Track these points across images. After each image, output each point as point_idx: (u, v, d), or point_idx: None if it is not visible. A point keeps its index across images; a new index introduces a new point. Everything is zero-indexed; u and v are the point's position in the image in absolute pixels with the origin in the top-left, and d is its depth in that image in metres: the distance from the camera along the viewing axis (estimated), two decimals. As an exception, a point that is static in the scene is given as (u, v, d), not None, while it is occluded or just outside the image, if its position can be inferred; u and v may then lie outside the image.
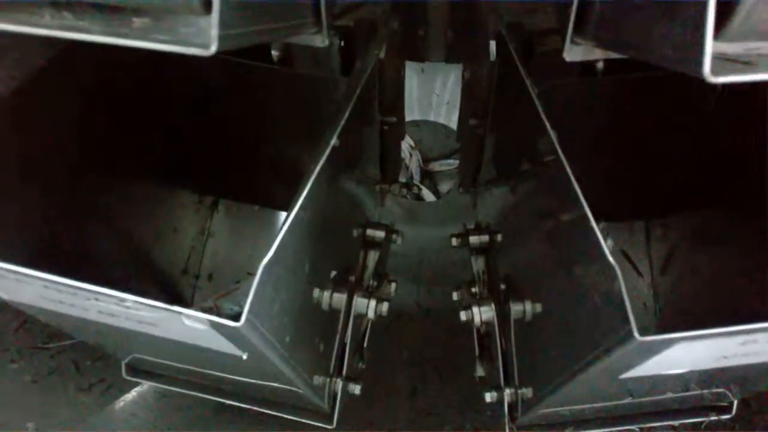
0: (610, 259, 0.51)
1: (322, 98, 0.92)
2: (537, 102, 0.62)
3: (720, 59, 0.38)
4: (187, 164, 1.17)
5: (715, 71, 0.35)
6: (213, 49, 0.36)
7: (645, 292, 1.19)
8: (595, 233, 0.53)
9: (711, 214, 1.07)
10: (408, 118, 1.69)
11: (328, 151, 0.59)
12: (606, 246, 0.52)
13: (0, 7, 0.47)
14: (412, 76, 1.64)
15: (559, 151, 0.57)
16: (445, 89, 1.74)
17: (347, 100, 0.70)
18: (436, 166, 1.76)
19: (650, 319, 1.17)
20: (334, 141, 0.60)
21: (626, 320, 0.48)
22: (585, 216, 0.54)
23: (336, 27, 0.87)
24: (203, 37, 0.37)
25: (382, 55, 0.87)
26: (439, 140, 1.77)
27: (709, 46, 0.34)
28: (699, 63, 0.35)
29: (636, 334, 0.47)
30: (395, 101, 1.06)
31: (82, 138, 0.88)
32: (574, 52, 0.52)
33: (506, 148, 0.94)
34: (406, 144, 1.72)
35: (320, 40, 0.56)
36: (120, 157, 0.99)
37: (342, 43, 0.89)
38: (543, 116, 0.60)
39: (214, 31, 0.36)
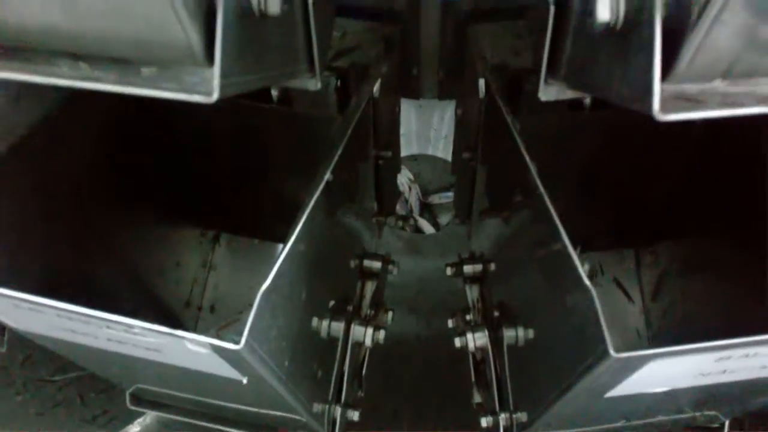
0: (587, 282, 0.54)
1: (320, 136, 0.96)
2: (518, 138, 0.66)
3: (673, 98, 0.42)
4: (190, 200, 1.21)
5: (664, 109, 0.40)
6: (215, 96, 0.40)
7: (637, 319, 1.22)
8: (572, 259, 0.56)
9: (699, 241, 1.10)
10: (407, 152, 1.73)
11: (322, 186, 0.63)
12: (582, 270, 0.55)
13: (21, 58, 0.51)
14: (410, 111, 1.69)
15: (538, 182, 0.61)
16: (442, 123, 1.76)
17: (341, 136, 0.74)
18: (435, 199, 1.78)
19: (643, 344, 1.19)
20: (327, 176, 0.64)
21: (602, 339, 0.51)
22: (563, 242, 0.58)
23: (332, 68, 0.92)
24: (206, 86, 0.41)
25: (376, 93, 0.91)
26: (437, 173, 1.79)
27: (657, 86, 0.38)
28: (649, 102, 0.39)
29: (611, 351, 0.50)
30: (390, 136, 1.10)
31: (91, 176, 0.92)
32: (548, 92, 0.56)
33: (497, 180, 0.98)
34: (406, 177, 1.76)
35: (313, 84, 0.61)
36: (126, 194, 1.02)
37: (338, 83, 0.93)
38: (523, 151, 0.64)
39: (216, 81, 0.40)
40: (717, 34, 0.38)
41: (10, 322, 0.70)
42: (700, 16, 0.37)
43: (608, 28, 0.42)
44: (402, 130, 1.25)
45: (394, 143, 1.13)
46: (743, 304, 0.96)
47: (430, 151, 1.80)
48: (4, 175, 0.73)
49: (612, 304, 1.23)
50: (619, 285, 1.24)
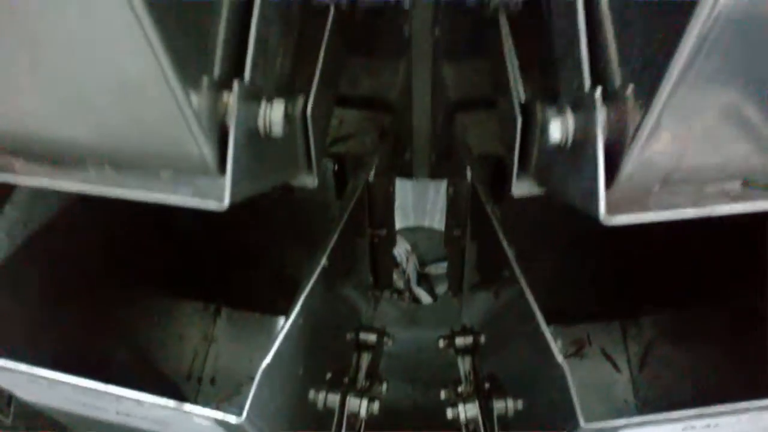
0: (559, 359, 0.59)
1: (318, 217, 1.02)
2: (497, 226, 0.73)
3: (618, 203, 0.48)
4: (193, 277, 1.26)
5: (610, 213, 0.46)
6: (226, 203, 0.47)
7: (626, 388, 1.25)
8: (545, 338, 0.61)
9: (680, 312, 1.15)
10: (404, 224, 1.78)
11: (318, 271, 0.69)
12: (555, 348, 0.60)
13: (49, 163, 0.57)
14: (407, 185, 1.74)
15: (515, 267, 0.67)
16: (438, 196, 1.81)
17: (337, 222, 0.80)
18: (432, 269, 1.81)
19: (632, 413, 1.21)
20: (323, 262, 0.70)
21: (573, 411, 0.55)
22: (538, 322, 0.63)
23: (329, 154, 0.99)
24: (218, 192, 0.47)
25: (371, 178, 0.98)
26: (434, 244, 1.82)
27: (602, 195, 0.45)
28: (596, 208, 0.45)
29: (581, 423, 0.54)
30: (385, 216, 1.16)
31: (101, 258, 0.97)
32: (520, 187, 0.62)
33: (484, 257, 1.04)
34: (403, 248, 1.80)
35: (311, 182, 0.67)
36: (132, 272, 1.08)
37: (335, 167, 1.00)
38: (502, 238, 0.70)
39: (228, 190, 0.46)
40: (650, 150, 0.44)
41: (24, 395, 0.74)
42: (634, 137, 0.44)
43: (560, 146, 0.49)
44: (398, 203, 1.30)
45: (389, 222, 1.19)
46: (725, 370, 1.00)
47: (426, 223, 1.85)
48: (24, 260, 0.79)
49: (600, 374, 1.27)
50: (607, 356, 1.28)
